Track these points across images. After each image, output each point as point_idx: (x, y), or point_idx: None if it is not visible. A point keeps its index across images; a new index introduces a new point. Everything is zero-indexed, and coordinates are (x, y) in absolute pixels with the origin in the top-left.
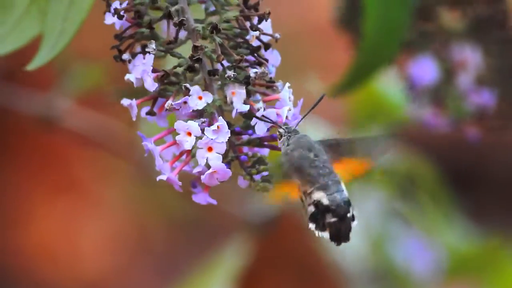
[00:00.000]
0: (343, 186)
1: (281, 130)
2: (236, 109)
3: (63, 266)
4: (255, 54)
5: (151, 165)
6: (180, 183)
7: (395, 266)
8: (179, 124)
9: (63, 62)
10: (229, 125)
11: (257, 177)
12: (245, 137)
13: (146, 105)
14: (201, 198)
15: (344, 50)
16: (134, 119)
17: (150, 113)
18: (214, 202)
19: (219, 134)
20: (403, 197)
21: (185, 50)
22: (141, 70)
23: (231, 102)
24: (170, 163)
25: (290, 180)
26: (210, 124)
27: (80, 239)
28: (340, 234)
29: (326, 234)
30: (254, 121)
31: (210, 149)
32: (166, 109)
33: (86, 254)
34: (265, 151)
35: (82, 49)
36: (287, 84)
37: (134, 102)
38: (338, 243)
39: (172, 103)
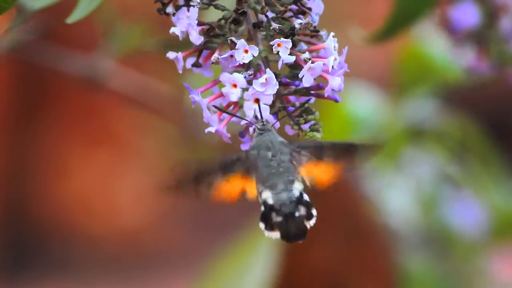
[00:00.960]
0: (296, 185)
1: (255, 127)
2: (283, 60)
3: (98, 217)
4: (298, 3)
5: (191, 125)
6: (228, 134)
7: (445, 228)
8: (224, 77)
9: (106, 22)
10: (276, 75)
11: (305, 127)
12: (291, 87)
13: (191, 57)
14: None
15: (381, 3)
16: (180, 71)
17: (196, 64)
18: None
19: (267, 87)
20: (454, 160)
21: (228, 2)
22: (186, 23)
23: (277, 53)
24: (217, 115)
25: (248, 178)
26: (256, 76)
27: (115, 191)
28: (289, 234)
29: (276, 234)
30: (302, 73)
31: (256, 100)
32: (212, 62)
33: (121, 206)
34: (311, 100)
35: (124, 9)
36: (332, 33)
37: (180, 54)
38: (289, 241)
39: (219, 57)
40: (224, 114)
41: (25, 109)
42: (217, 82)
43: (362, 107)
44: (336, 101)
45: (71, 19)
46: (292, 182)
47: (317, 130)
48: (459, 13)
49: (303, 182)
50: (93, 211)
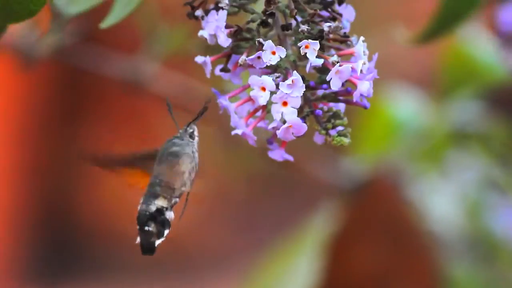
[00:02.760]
0: (157, 201)
1: (180, 131)
2: (310, 63)
3: None
4: (329, 9)
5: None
6: (255, 137)
7: (490, 234)
8: (253, 79)
9: (148, 24)
10: (304, 79)
11: (332, 132)
12: (320, 92)
13: (221, 63)
14: (277, 154)
15: (426, 1)
16: (208, 76)
17: (224, 69)
18: (291, 158)
19: (293, 88)
20: (500, 164)
21: (259, 6)
22: (215, 26)
23: (305, 56)
24: (245, 119)
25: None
26: (284, 79)
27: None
28: (141, 244)
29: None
30: (329, 76)
31: (285, 103)
32: (240, 65)
33: None
34: (340, 106)
35: (165, 9)
36: (362, 38)
37: (208, 59)
38: (142, 252)
39: (246, 58)
40: (251, 119)
41: (67, 112)
42: (245, 88)
43: (405, 110)
44: (365, 107)
45: (106, 24)
46: (155, 196)
47: (345, 135)
48: (507, 14)
49: (178, 199)
50: (134, 212)
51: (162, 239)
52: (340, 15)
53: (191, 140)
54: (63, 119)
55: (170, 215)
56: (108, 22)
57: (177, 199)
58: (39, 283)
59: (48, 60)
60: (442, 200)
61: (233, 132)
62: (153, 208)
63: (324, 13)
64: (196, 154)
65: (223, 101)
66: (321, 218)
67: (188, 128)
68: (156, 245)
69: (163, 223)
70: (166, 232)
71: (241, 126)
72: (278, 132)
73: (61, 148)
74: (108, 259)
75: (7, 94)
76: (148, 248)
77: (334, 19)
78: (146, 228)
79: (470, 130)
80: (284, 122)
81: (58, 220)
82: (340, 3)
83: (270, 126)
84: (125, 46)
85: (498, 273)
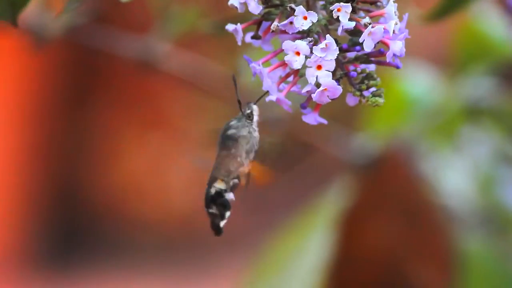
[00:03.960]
0: (216, 184)
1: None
2: (342, 26)
3: (151, 200)
4: None
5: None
6: (289, 102)
7: (503, 208)
8: (287, 44)
9: (160, 4)
10: (337, 42)
11: (366, 93)
12: (351, 54)
13: (249, 31)
14: (311, 118)
15: None
16: (239, 43)
17: (256, 36)
18: (325, 121)
19: (327, 52)
20: None
21: None
22: None
23: (336, 19)
24: (276, 84)
25: None
26: (317, 43)
27: (168, 174)
28: (210, 225)
29: None
30: (362, 37)
31: (319, 67)
32: (272, 31)
33: (174, 189)
34: (371, 67)
35: None
36: None
37: (239, 26)
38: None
39: (278, 24)
40: (284, 84)
41: (79, 92)
42: (276, 54)
43: (417, 86)
44: (398, 67)
45: None
46: (214, 180)
47: (379, 96)
48: None
49: (237, 180)
50: (145, 194)
51: (225, 220)
52: None
53: (248, 121)
54: (75, 100)
55: (229, 196)
56: None
57: (236, 180)
58: (51, 265)
59: (60, 41)
60: (455, 175)
61: (267, 99)
62: (212, 191)
63: None
64: (255, 133)
65: (256, 66)
66: (334, 194)
67: (246, 109)
68: (221, 225)
69: (224, 205)
70: (228, 214)
71: (274, 92)
72: (313, 95)
73: (73, 129)
74: (119, 240)
75: (19, 75)
76: (215, 229)
77: None
78: (210, 210)
79: (483, 106)
80: (318, 85)
81: (70, 203)
82: None
83: (304, 90)
84: (136, 26)
85: (511, 246)
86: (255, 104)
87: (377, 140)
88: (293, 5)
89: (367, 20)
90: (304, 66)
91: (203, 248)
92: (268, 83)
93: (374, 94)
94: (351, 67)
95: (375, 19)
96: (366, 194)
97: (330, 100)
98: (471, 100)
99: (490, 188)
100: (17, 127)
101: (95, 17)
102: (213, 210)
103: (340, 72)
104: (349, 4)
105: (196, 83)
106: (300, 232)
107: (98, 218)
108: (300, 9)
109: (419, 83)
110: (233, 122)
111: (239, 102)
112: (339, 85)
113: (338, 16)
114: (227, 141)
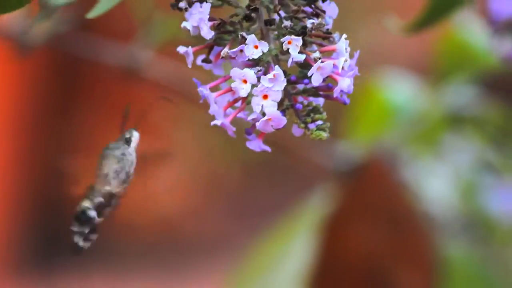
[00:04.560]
0: (82, 201)
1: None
2: (292, 58)
3: (136, 205)
4: (312, 5)
5: None
6: (234, 128)
7: (485, 215)
8: (235, 72)
9: (143, 12)
10: (285, 74)
11: (311, 126)
12: (300, 86)
13: (203, 54)
14: (255, 145)
15: None
16: (189, 66)
17: (206, 60)
18: (268, 149)
19: (275, 83)
20: (494, 147)
21: (243, 0)
22: (198, 18)
23: (287, 51)
24: (223, 109)
25: None
26: (266, 73)
27: (152, 179)
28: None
29: None
30: (311, 71)
31: (265, 96)
32: (222, 57)
33: (159, 195)
34: (320, 101)
35: (161, 0)
36: (344, 36)
37: (190, 49)
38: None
39: (228, 51)
40: (230, 110)
41: (62, 99)
42: (226, 79)
43: (400, 95)
44: (345, 103)
45: (93, 14)
46: (84, 198)
47: (324, 130)
48: (498, 3)
49: (102, 199)
50: (130, 199)
51: (88, 242)
52: (324, 11)
53: (125, 145)
54: (58, 107)
55: (92, 214)
56: (95, 12)
57: (101, 199)
58: (35, 270)
59: (43, 48)
60: (437, 182)
61: (212, 123)
62: (78, 209)
63: (308, 9)
64: (130, 157)
65: (204, 90)
66: (316, 201)
67: (126, 133)
68: (79, 245)
69: (85, 222)
70: (88, 233)
71: (220, 116)
72: (257, 124)
73: (56, 135)
74: (102, 245)
75: (1, 82)
76: (73, 249)
77: (317, 15)
78: (71, 228)
79: (465, 114)
80: (264, 114)
81: (53, 208)
82: (324, 0)
83: (250, 118)
84: (120, 34)
85: (493, 253)
86: (136, 131)
87: (360, 147)
88: (244, 33)
89: (317, 54)
90: (251, 94)
91: (187, 252)
92: (215, 108)
93: (318, 128)
94: (300, 99)
95: (328, 54)
96: (348, 200)
97: (274, 130)
98: (453, 108)
99: (472, 195)
100: None
101: (79, 25)
102: (75, 228)
103: (287, 103)
104: (300, 37)
105: (180, 90)
106: (283, 237)
107: None
108: (251, 38)
109: (401, 92)
110: (110, 144)
111: (124, 126)
112: (284, 115)
113: (288, 49)
114: (99, 160)
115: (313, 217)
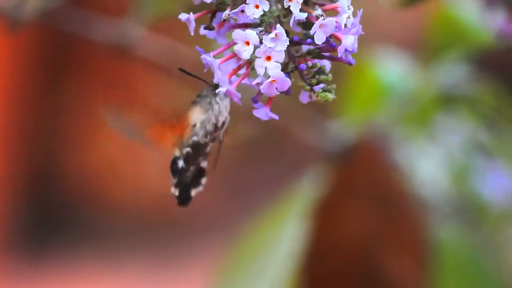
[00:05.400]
0: (175, 150)
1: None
2: (294, 17)
3: (127, 183)
4: None
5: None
6: (239, 95)
7: (477, 197)
8: (237, 34)
9: None
10: (288, 35)
11: (317, 88)
12: (304, 48)
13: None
14: (262, 112)
15: None
16: (192, 33)
17: (209, 27)
18: (276, 117)
19: (277, 42)
20: (487, 127)
21: None
22: None
23: (289, 11)
24: (228, 76)
25: None
26: (268, 33)
27: (143, 157)
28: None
29: None
30: (313, 29)
31: (268, 58)
32: (224, 20)
33: (150, 171)
34: (325, 63)
35: None
36: None
37: (191, 16)
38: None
39: (229, 13)
40: (235, 77)
41: (52, 76)
42: (230, 46)
43: (392, 73)
44: (350, 63)
45: None
46: (175, 147)
47: (329, 91)
48: None
49: (190, 150)
50: (121, 177)
51: (174, 188)
52: None
53: (213, 92)
54: (49, 83)
55: (180, 164)
56: None
57: (189, 149)
58: (27, 249)
59: (34, 24)
60: (429, 164)
61: (217, 90)
62: (172, 157)
63: None
64: (216, 106)
65: (207, 57)
66: (308, 182)
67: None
68: (174, 193)
69: (175, 172)
70: (175, 181)
71: (225, 83)
72: (261, 87)
73: (47, 112)
74: (95, 223)
75: None
76: (179, 200)
77: None
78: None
79: (457, 93)
80: (268, 77)
81: (44, 186)
82: None
83: (254, 82)
84: (111, 11)
85: (485, 236)
86: None
87: (351, 127)
88: None
89: (318, 12)
90: (254, 58)
91: (180, 232)
92: (219, 75)
93: (324, 90)
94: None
95: (331, 14)
96: (340, 182)
97: (279, 93)
98: (445, 87)
99: (464, 178)
100: None
101: (70, 0)
102: (174, 177)
103: (291, 66)
104: None
105: (171, 67)
106: (275, 220)
107: (74, 201)
108: None
109: (393, 70)
110: (202, 92)
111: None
112: (288, 77)
113: (289, 6)
114: (191, 109)
115: (304, 200)
